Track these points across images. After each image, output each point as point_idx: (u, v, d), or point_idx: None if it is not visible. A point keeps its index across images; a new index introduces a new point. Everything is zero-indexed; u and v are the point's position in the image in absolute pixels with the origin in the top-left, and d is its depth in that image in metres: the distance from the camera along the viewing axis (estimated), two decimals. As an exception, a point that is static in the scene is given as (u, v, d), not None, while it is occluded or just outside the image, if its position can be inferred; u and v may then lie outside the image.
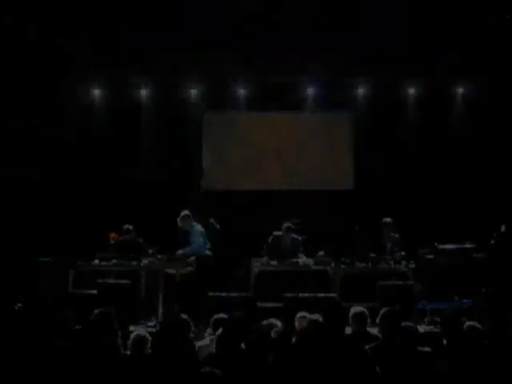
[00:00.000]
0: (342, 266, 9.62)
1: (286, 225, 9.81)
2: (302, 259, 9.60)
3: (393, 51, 11.20)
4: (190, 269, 9.38)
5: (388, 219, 10.11)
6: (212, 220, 10.02)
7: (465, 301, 8.92)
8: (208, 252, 9.71)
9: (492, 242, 9.81)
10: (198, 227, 9.72)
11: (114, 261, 9.31)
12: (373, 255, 9.79)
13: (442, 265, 9.68)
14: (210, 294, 8.41)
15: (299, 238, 9.91)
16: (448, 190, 11.88)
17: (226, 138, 12.87)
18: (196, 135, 12.72)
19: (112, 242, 10.00)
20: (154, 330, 7.47)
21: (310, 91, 12.22)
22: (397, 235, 10.15)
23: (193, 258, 9.44)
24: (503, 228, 9.82)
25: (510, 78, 11.48)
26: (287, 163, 12.63)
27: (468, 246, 9.79)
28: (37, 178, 11.27)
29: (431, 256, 9.72)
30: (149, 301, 9.15)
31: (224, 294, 8.38)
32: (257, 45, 11.25)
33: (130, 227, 9.97)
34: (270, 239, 9.89)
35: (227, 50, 11.21)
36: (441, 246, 9.77)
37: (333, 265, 9.59)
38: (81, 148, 11.93)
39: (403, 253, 9.85)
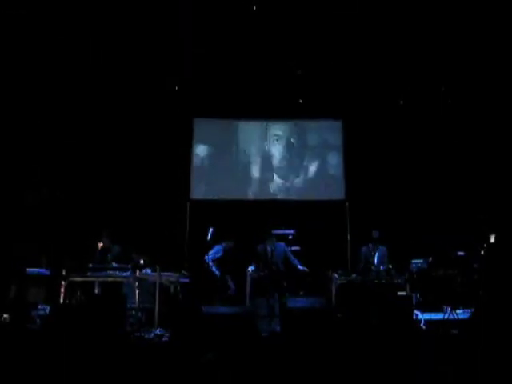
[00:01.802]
0: (337, 276, 9.52)
1: (268, 233, 9.66)
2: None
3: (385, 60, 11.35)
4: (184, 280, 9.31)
5: (376, 233, 10.06)
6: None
7: (458, 311, 8.94)
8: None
9: (482, 252, 9.83)
10: None
11: (107, 272, 9.13)
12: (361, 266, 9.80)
13: (435, 275, 9.72)
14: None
15: (283, 244, 9.75)
16: (439, 199, 11.96)
17: (216, 146, 12.89)
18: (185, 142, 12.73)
19: (99, 250, 9.89)
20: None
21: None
22: (384, 248, 10.10)
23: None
24: (492, 238, 9.85)
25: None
26: (280, 172, 12.70)
27: (460, 255, 9.84)
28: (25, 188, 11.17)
29: (424, 266, 9.76)
30: (144, 311, 9.04)
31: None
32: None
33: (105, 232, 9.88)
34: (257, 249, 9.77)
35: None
36: (434, 257, 9.82)
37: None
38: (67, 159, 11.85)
39: (390, 265, 9.79)
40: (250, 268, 9.38)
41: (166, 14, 10.40)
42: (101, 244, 9.89)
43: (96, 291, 8.99)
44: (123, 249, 9.84)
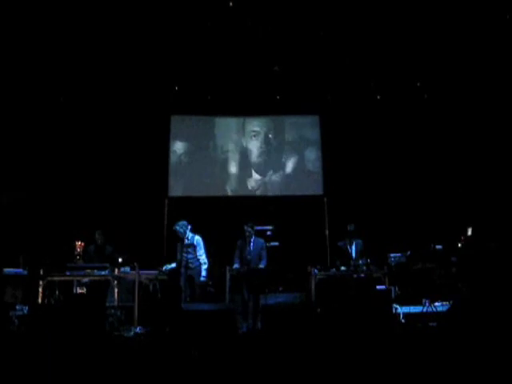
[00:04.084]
0: (316, 272, 9.49)
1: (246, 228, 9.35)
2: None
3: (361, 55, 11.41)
4: (163, 278, 9.25)
5: (351, 226, 10.07)
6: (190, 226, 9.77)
7: (436, 304, 9.01)
8: None
9: (460, 245, 9.92)
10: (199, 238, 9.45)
11: (85, 271, 9.04)
12: (338, 261, 9.78)
13: (413, 269, 9.78)
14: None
15: (262, 240, 9.57)
16: (416, 194, 12.06)
17: (193, 142, 12.88)
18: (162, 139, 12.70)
19: (79, 250, 9.79)
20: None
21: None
22: (360, 241, 10.11)
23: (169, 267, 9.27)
24: (470, 231, 9.94)
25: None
26: (258, 168, 12.74)
27: (438, 249, 9.90)
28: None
29: (403, 260, 9.81)
30: (123, 310, 9.00)
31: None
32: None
33: (99, 232, 9.80)
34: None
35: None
36: (412, 250, 9.88)
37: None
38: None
39: (368, 260, 9.77)
40: (235, 266, 9.22)
41: (142, 13, 10.35)
42: (79, 243, 9.80)
43: (78, 290, 8.98)
44: (114, 249, 9.81)
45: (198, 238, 9.16)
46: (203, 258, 9.11)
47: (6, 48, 10.42)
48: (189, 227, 9.22)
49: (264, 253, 9.26)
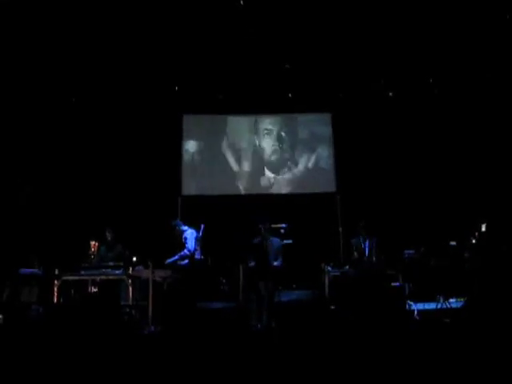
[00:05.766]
0: (329, 269, 9.47)
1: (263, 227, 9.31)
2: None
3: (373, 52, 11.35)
4: (176, 276, 9.26)
5: (364, 222, 10.01)
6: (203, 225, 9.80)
7: (451, 300, 8.98)
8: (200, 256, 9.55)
9: (473, 241, 9.87)
10: (192, 231, 9.52)
11: (100, 270, 9.07)
12: (352, 258, 9.74)
13: (427, 265, 9.74)
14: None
15: (278, 239, 9.57)
16: (429, 190, 12.00)
17: (206, 141, 12.90)
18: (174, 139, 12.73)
19: (93, 249, 9.84)
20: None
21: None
22: (374, 238, 10.04)
23: (184, 263, 9.29)
24: (483, 227, 9.88)
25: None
26: (270, 166, 12.74)
27: (452, 245, 9.86)
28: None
29: (416, 257, 9.77)
30: (137, 309, 9.02)
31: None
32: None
33: (110, 230, 9.85)
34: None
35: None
36: (426, 247, 9.85)
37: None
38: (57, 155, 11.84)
39: (382, 256, 9.71)
40: (251, 264, 9.19)
41: (153, 12, 10.36)
42: (93, 243, 9.85)
43: (93, 289, 9.02)
44: (124, 248, 9.86)
45: (186, 234, 9.28)
46: (188, 247, 9.28)
47: (21, 50, 10.50)
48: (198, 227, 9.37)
49: (280, 252, 9.27)
